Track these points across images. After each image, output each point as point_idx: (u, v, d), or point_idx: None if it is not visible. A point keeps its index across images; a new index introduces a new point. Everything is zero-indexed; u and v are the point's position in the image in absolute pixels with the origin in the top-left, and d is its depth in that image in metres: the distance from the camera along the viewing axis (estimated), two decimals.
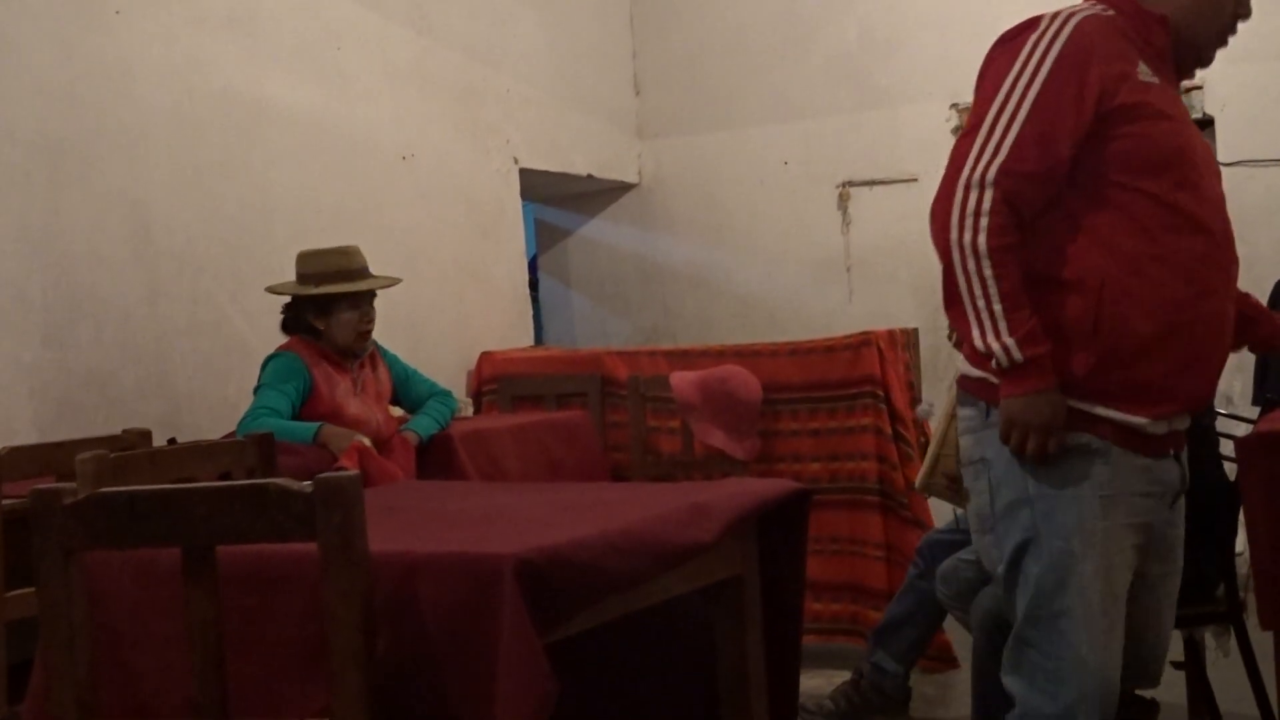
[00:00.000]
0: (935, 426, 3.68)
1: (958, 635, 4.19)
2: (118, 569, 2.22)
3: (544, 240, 7.79)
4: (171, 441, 4.11)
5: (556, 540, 2.05)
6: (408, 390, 4.59)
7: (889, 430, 4.87)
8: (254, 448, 3.24)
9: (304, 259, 4.34)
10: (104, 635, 2.17)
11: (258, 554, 2.07)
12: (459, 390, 5.70)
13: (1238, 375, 6.00)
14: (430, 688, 1.94)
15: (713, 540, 2.30)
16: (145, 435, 3.49)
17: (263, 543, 1.98)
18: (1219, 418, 3.74)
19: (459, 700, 1.92)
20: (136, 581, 2.21)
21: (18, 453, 3.10)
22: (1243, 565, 3.28)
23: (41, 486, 2.01)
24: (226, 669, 1.96)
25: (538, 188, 7.06)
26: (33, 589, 2.09)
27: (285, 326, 4.34)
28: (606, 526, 2.17)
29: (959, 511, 3.78)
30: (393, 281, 4.47)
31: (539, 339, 7.21)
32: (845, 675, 4.23)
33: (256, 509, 1.90)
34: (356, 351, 4.32)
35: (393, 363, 4.57)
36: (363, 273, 4.34)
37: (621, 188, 7.43)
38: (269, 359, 4.27)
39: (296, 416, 4.13)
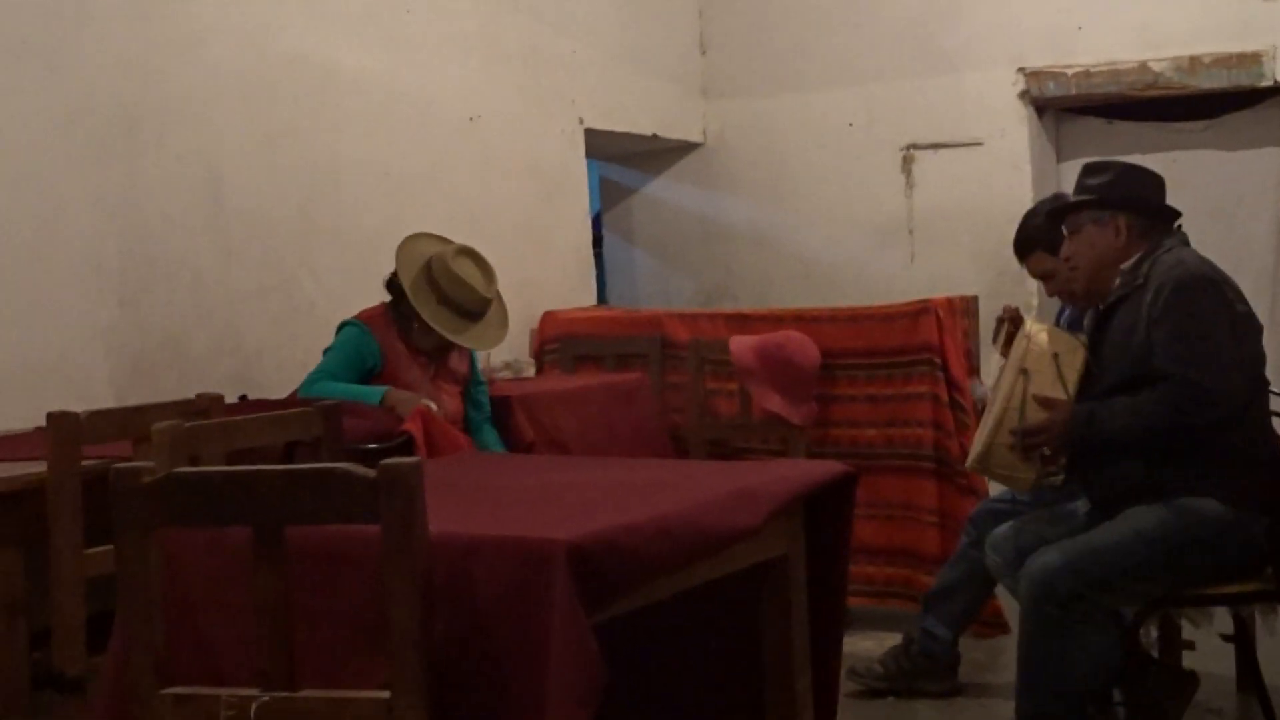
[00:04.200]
0: (992, 402, 3.65)
1: (1009, 601, 4.23)
2: (192, 541, 2.33)
3: (608, 198, 7.84)
4: (242, 398, 4.22)
5: (607, 524, 2.13)
6: (471, 392, 4.56)
7: (945, 398, 4.91)
8: (320, 417, 3.34)
9: (443, 272, 4.24)
10: (180, 604, 2.28)
11: (324, 533, 2.16)
12: (522, 350, 5.79)
13: None
14: (484, 666, 2.02)
15: (759, 524, 2.37)
16: (218, 400, 3.59)
17: (328, 524, 2.08)
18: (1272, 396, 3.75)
19: (512, 679, 2.00)
20: (209, 554, 2.31)
21: (97, 416, 3.22)
22: None
23: (120, 465, 2.12)
24: (294, 642, 2.06)
25: (603, 146, 7.10)
26: (110, 546, 2.21)
27: (388, 285, 4.37)
28: (656, 511, 2.25)
29: None
30: (490, 345, 4.43)
31: (602, 295, 7.27)
32: (896, 638, 4.30)
33: (322, 492, 2.00)
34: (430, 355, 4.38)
35: (474, 355, 4.58)
36: (477, 314, 4.31)
37: (686, 147, 7.45)
38: (345, 324, 4.36)
39: (364, 384, 4.22)
